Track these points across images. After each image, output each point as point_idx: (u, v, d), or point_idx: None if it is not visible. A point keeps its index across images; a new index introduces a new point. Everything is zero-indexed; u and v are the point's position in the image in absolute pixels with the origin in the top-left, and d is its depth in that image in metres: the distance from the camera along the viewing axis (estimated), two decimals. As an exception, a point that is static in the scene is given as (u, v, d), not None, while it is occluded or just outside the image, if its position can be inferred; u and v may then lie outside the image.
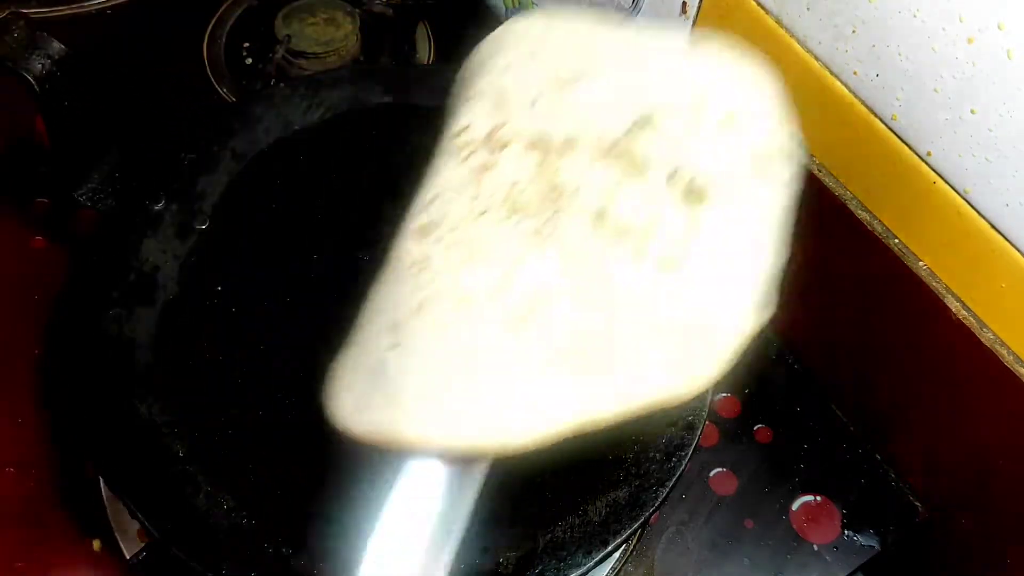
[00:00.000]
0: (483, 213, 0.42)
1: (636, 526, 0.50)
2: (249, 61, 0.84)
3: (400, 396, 0.39)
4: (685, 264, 0.40)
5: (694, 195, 0.42)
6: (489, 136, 0.45)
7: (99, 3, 0.86)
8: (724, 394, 0.69)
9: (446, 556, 0.41)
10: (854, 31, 0.52)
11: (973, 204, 0.51)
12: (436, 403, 0.39)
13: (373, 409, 0.40)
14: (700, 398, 0.55)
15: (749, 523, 0.64)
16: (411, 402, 0.39)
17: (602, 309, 0.39)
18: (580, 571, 0.49)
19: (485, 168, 0.44)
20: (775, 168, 0.44)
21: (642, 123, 0.43)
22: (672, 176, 0.42)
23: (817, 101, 0.57)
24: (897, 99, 0.52)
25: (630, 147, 0.43)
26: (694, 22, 0.62)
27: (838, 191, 0.58)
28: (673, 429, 0.53)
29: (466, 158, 0.44)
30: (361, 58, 0.84)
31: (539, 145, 0.44)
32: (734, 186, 0.42)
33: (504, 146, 0.44)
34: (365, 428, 0.40)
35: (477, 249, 0.41)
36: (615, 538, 0.50)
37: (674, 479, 0.52)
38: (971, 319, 0.54)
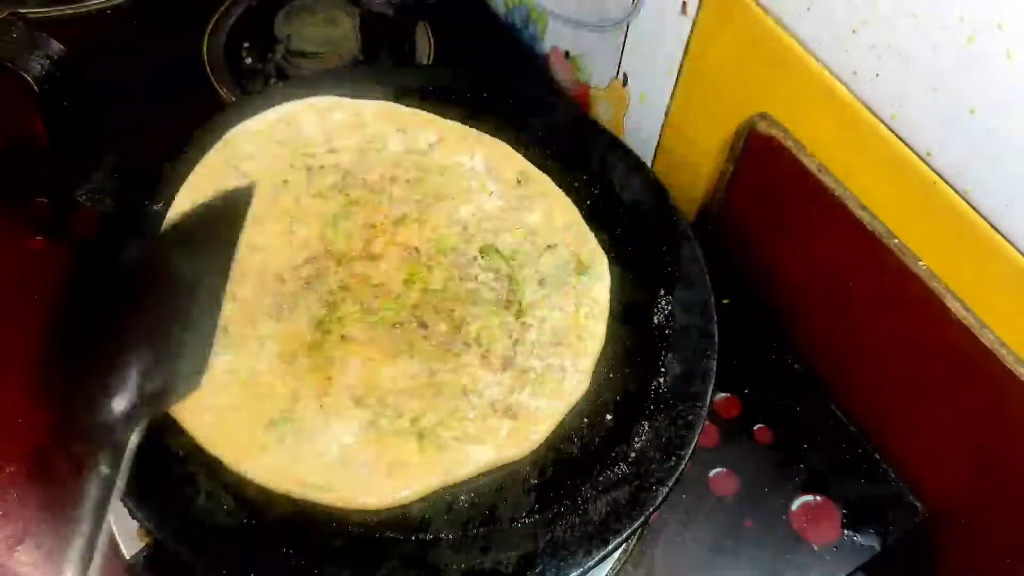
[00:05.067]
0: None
1: (636, 526, 0.50)
2: (249, 61, 0.84)
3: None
4: (514, 363, 0.54)
5: (520, 311, 0.56)
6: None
7: (99, 3, 0.86)
8: (724, 394, 0.69)
9: None
10: (854, 31, 0.52)
11: (973, 204, 0.51)
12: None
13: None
14: (700, 398, 0.55)
15: (749, 523, 0.64)
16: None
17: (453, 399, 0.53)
18: (580, 571, 0.49)
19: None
20: (581, 275, 0.58)
21: (486, 251, 0.58)
22: (504, 300, 0.57)
23: (817, 101, 0.57)
24: (897, 99, 0.52)
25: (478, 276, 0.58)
26: (694, 22, 0.62)
27: (838, 191, 0.58)
28: (673, 429, 0.53)
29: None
30: (361, 58, 0.84)
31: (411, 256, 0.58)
32: (548, 294, 0.57)
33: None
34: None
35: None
36: (615, 538, 0.50)
37: (674, 479, 0.52)
38: (971, 319, 0.54)
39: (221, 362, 0.53)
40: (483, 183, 0.62)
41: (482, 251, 0.59)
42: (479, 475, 0.51)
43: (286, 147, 0.62)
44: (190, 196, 0.58)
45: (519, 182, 0.62)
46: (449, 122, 0.65)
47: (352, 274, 0.57)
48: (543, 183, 0.62)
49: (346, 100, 0.65)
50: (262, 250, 0.57)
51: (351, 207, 0.60)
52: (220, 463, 0.50)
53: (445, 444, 0.51)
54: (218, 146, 0.61)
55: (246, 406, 0.52)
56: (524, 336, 0.56)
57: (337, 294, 0.56)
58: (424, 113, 0.65)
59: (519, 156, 0.63)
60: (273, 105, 0.65)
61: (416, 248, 0.58)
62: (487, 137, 0.64)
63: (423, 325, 0.55)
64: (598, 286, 0.58)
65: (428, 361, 0.54)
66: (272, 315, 0.55)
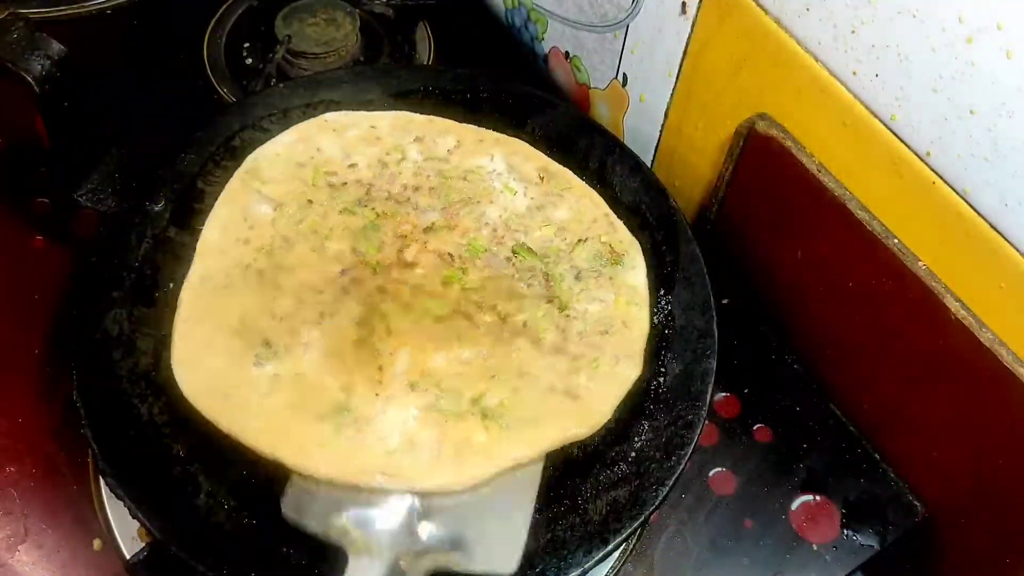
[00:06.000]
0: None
1: (636, 525, 0.50)
2: (249, 61, 0.84)
3: None
4: (566, 349, 0.54)
5: (563, 305, 0.56)
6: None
7: (99, 3, 0.86)
8: (724, 394, 0.69)
9: None
10: (854, 31, 0.52)
11: (973, 204, 0.51)
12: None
13: None
14: (700, 398, 0.55)
15: (749, 523, 0.64)
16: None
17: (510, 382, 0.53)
18: (580, 570, 0.49)
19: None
20: (615, 265, 0.58)
21: (519, 251, 0.58)
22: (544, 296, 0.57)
23: (817, 101, 0.57)
24: (897, 99, 0.52)
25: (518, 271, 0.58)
26: (694, 23, 0.62)
27: (838, 191, 0.58)
28: (673, 428, 0.53)
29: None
30: (361, 58, 0.84)
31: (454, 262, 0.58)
32: (586, 287, 0.57)
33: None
34: None
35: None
36: (615, 537, 0.50)
37: (674, 478, 0.52)
38: (970, 319, 0.54)
39: (266, 371, 0.52)
40: (506, 183, 0.62)
41: (515, 251, 0.58)
42: (544, 455, 0.51)
43: (306, 167, 0.61)
44: (219, 225, 0.58)
45: (542, 179, 0.62)
46: (465, 126, 0.64)
47: (389, 279, 0.56)
48: (566, 177, 0.62)
49: (359, 114, 0.64)
50: (296, 268, 0.56)
51: (379, 220, 0.59)
52: (222, 463, 0.50)
53: (510, 424, 0.51)
54: (239, 172, 0.60)
55: (297, 403, 0.51)
56: (570, 327, 0.55)
57: (376, 296, 0.55)
58: (439, 119, 0.65)
59: (538, 152, 0.63)
60: (274, 105, 0.65)
61: (449, 254, 0.58)
62: (504, 137, 0.64)
63: (468, 318, 0.55)
64: (634, 274, 0.58)
65: (479, 347, 0.53)
66: (314, 322, 0.54)
